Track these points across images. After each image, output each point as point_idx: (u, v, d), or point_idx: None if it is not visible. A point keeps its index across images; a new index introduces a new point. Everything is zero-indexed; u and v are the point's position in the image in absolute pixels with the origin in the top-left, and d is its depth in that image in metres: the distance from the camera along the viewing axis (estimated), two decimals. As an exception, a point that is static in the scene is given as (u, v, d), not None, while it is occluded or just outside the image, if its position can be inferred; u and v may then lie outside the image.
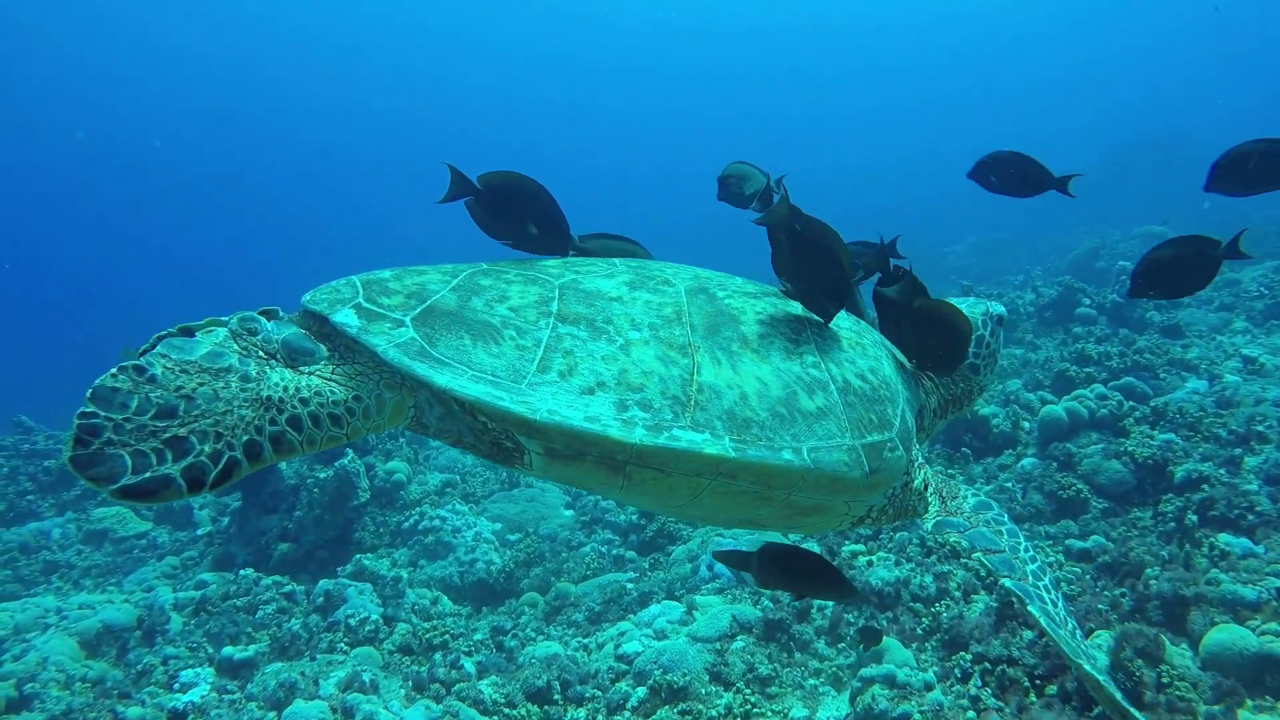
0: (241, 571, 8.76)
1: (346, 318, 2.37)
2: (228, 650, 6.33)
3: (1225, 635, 4.38)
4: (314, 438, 2.25)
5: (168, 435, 2.03)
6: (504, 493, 11.26)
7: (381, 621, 6.95)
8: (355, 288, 2.49)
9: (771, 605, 6.24)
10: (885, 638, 5.65)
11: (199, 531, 12.07)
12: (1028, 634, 5.32)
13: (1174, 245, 3.52)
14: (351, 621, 6.71)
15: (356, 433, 2.35)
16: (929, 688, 4.86)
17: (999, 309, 3.47)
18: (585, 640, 6.68)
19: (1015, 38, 66.13)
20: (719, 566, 7.22)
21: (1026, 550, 2.86)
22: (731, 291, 2.85)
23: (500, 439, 2.45)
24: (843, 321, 3.00)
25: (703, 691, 5.31)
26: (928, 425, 3.31)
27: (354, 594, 7.50)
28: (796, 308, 2.94)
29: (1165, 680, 4.16)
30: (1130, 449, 7.40)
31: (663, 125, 71.27)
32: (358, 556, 8.57)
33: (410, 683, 5.62)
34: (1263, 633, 4.37)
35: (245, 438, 2.14)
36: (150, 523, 12.94)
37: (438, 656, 6.17)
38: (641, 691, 5.47)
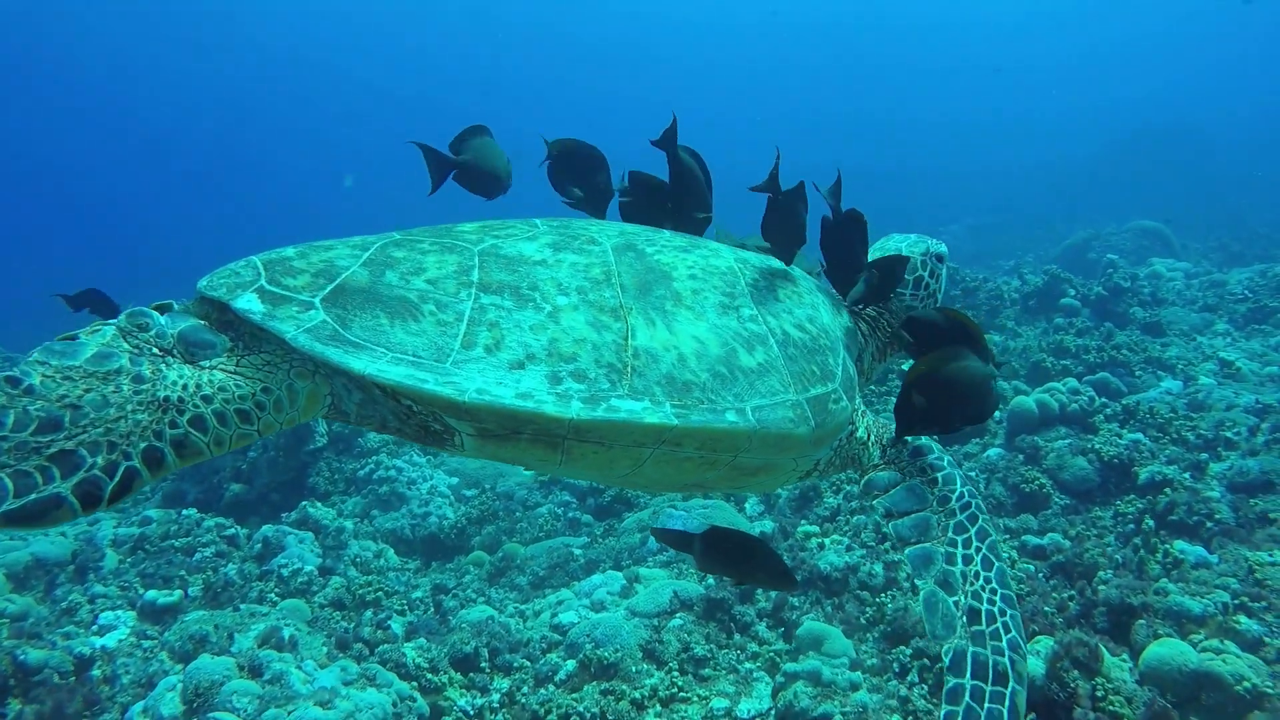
0: (184, 511, 8.54)
1: (249, 303, 2.18)
2: (151, 595, 6.13)
3: (1165, 650, 4.23)
4: (222, 437, 2.08)
5: (53, 450, 1.85)
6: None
7: (316, 573, 6.77)
8: (256, 269, 2.29)
9: (715, 583, 6.08)
10: (827, 626, 5.50)
11: (152, 466, 11.84)
12: (970, 632, 5.17)
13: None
14: (284, 571, 6.52)
15: (269, 428, 2.20)
16: (855, 687, 4.71)
17: (939, 247, 3.32)
18: (523, 606, 6.52)
19: (1022, 17, 65.04)
20: (668, 539, 7.04)
21: (961, 499, 2.78)
22: (661, 246, 2.72)
23: (427, 422, 2.31)
24: (774, 269, 2.89)
25: (633, 669, 5.15)
26: (867, 369, 3.24)
27: (293, 542, 7.30)
28: (728, 258, 2.80)
29: (1100, 694, 4.01)
30: (1097, 446, 7.24)
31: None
32: (304, 503, 8.36)
33: (334, 640, 5.44)
34: (1204, 649, 4.22)
35: (143, 444, 1.96)
36: (107, 453, 12.70)
37: (368, 614, 5.99)
38: (571, 665, 5.31)
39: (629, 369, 2.31)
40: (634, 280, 2.51)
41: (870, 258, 3.19)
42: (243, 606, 5.88)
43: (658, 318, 2.44)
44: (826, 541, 6.67)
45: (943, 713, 2.53)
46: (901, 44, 65.93)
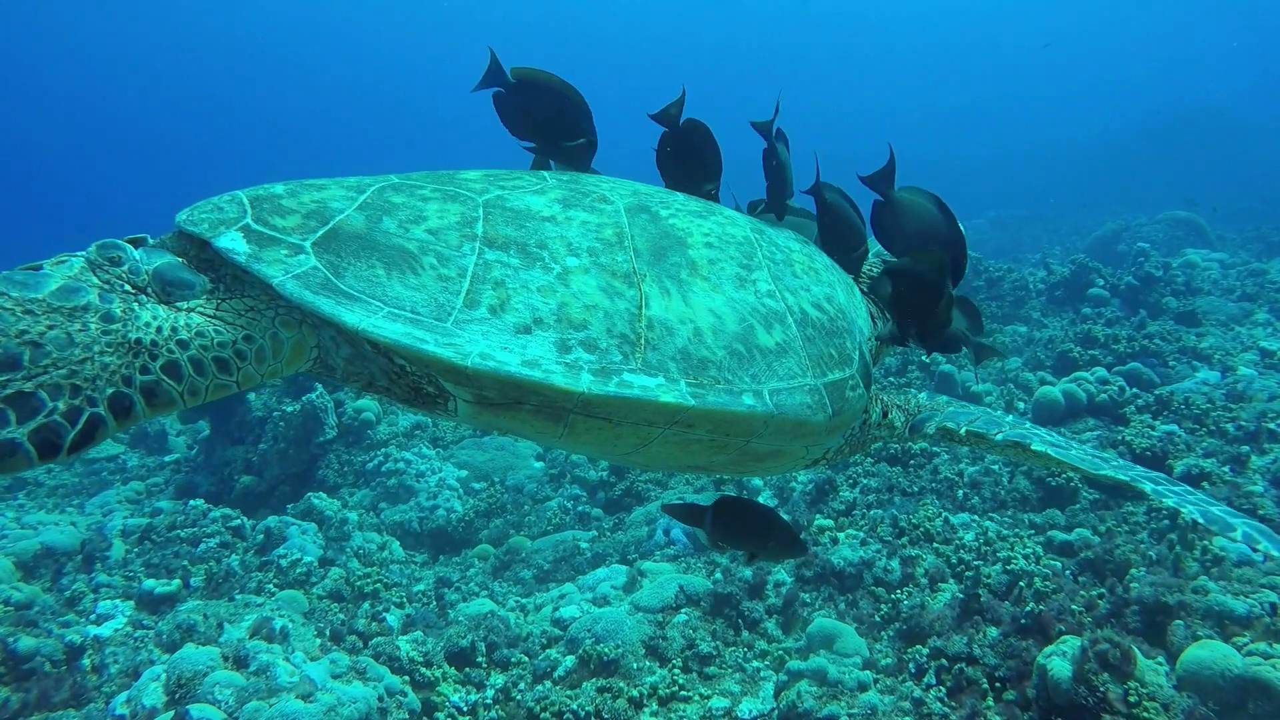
0: (191, 502, 8.43)
1: (233, 242, 1.99)
2: (149, 584, 6.01)
3: (1206, 653, 3.92)
4: (196, 387, 1.91)
5: (9, 392, 1.68)
6: (474, 439, 10.89)
7: (316, 564, 6.60)
8: (242, 205, 2.11)
9: (722, 578, 5.84)
10: (839, 624, 5.24)
11: (167, 458, 11.80)
12: (992, 631, 4.89)
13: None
14: (283, 562, 6.36)
15: (249, 380, 2.02)
16: (864, 688, 4.44)
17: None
18: (524, 600, 6.32)
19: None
20: (675, 531, 6.82)
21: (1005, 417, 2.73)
22: (675, 210, 2.53)
23: (420, 384, 2.15)
24: (792, 243, 2.71)
25: (634, 666, 4.93)
26: (876, 353, 3.05)
27: (295, 533, 7.15)
28: (745, 227, 2.61)
29: (1133, 699, 3.72)
30: (1129, 438, 6.91)
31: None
32: (308, 495, 8.22)
33: (328, 632, 5.26)
34: (1249, 653, 3.91)
35: (110, 390, 1.78)
36: (124, 446, 12.69)
37: (366, 606, 5.81)
38: (570, 661, 5.09)
39: (643, 341, 2.13)
40: (648, 245, 2.33)
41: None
42: (238, 597, 5.73)
43: (673, 287, 2.27)
44: (841, 536, 6.40)
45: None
46: (916, 33, 65.06)
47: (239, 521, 7.98)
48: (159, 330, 1.89)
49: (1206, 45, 55.38)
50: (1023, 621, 4.70)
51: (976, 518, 6.76)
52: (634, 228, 2.37)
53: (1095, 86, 55.79)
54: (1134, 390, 7.68)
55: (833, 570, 5.88)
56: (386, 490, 9.12)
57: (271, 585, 6.15)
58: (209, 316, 1.99)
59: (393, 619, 5.51)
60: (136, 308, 1.91)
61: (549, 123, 2.72)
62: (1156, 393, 7.65)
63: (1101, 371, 7.88)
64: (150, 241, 2.09)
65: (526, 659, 5.21)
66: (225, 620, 5.05)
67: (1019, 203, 32.62)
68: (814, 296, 2.54)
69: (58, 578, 7.29)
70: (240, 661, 4.25)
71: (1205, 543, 5.35)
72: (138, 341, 1.85)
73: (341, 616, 5.59)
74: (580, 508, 8.78)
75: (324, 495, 8.27)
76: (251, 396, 10.23)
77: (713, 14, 68.16)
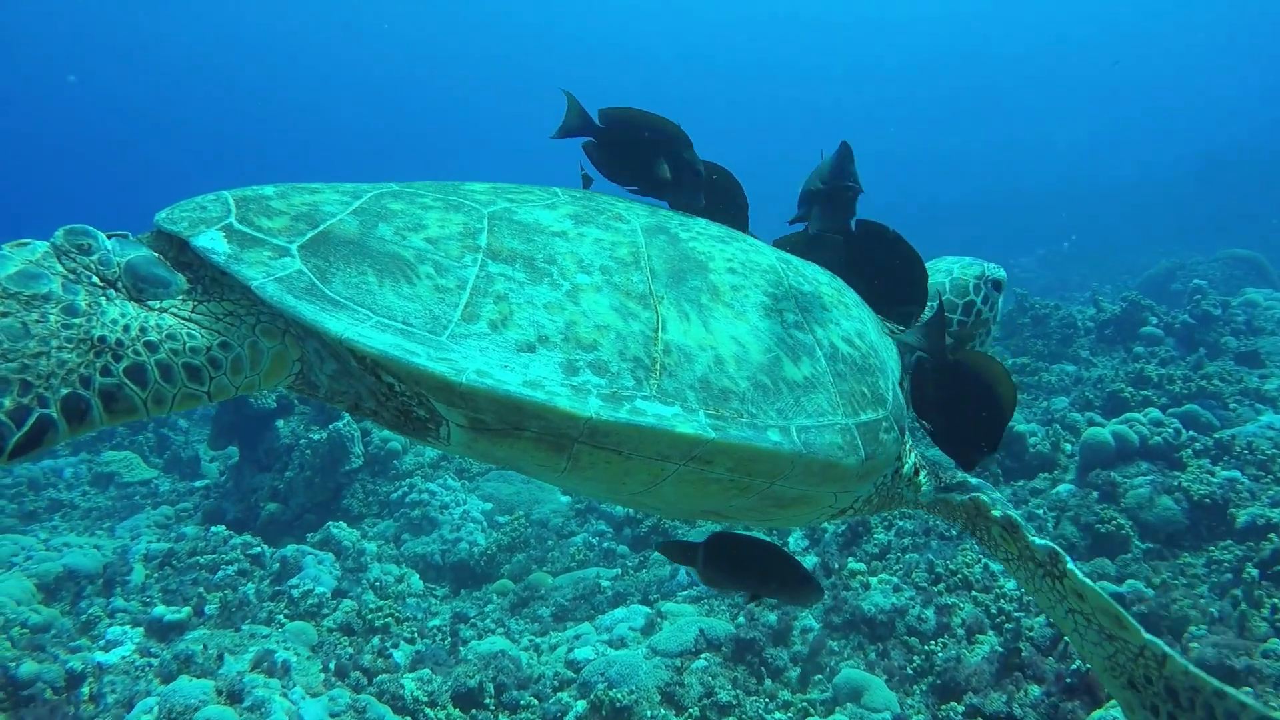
0: (213, 528, 8.36)
1: (212, 241, 1.85)
2: (159, 610, 5.89)
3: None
4: (163, 395, 1.75)
5: None
6: (500, 471, 10.73)
7: (329, 595, 6.43)
8: (227, 205, 1.98)
9: (746, 622, 5.54)
10: (868, 675, 4.91)
11: (197, 484, 11.84)
12: (1035, 690, 4.52)
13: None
14: (295, 593, 6.20)
15: (222, 391, 1.86)
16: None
17: (996, 272, 3.05)
18: (539, 639, 6.07)
19: (1094, 30, 62.77)
20: (701, 572, 6.52)
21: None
22: (696, 233, 2.39)
23: (410, 405, 1.97)
24: (820, 276, 2.56)
25: (648, 714, 4.65)
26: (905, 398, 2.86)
27: (312, 563, 7.01)
28: (770, 256, 2.45)
29: (1191, 773, 3.34)
30: (1185, 484, 6.48)
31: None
32: (328, 524, 8.10)
33: (333, 667, 5.07)
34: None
35: (65, 391, 1.62)
36: (158, 470, 12.79)
37: (375, 641, 5.61)
38: (581, 706, 4.82)
39: (658, 366, 1.97)
40: (666, 266, 2.18)
41: (930, 280, 2.93)
42: (245, 627, 5.58)
43: (692, 311, 2.10)
44: (873, 581, 6.06)
45: None
46: (968, 69, 64.72)
47: (259, 549, 7.88)
48: (126, 329, 1.73)
49: (1260, 83, 54.17)
50: (1068, 680, 4.34)
51: (1020, 565, 6.36)
52: (651, 248, 2.22)
53: (1145, 124, 54.80)
54: (1191, 433, 7.24)
55: (863, 617, 5.54)
56: (410, 521, 8.98)
57: (282, 616, 5.99)
58: (183, 319, 1.83)
59: (400, 655, 5.30)
60: (104, 302, 1.75)
61: (650, 162, 2.48)
62: (1216, 436, 7.20)
63: (1155, 413, 7.45)
64: (130, 238, 1.94)
65: (536, 702, 4.96)
66: (229, 651, 4.89)
67: (1068, 241, 31.90)
68: (844, 331, 2.37)
69: (77, 601, 7.24)
70: (235, 696, 4.08)
71: (1275, 600, 4.93)
72: (101, 339, 1.69)
73: (350, 651, 5.40)
74: (605, 544, 8.53)
75: (343, 525, 8.14)
76: (280, 423, 10.23)
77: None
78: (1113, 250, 28.33)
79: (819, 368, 2.21)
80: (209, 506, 10.42)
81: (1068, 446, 7.80)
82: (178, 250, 1.93)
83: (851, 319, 2.44)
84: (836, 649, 5.39)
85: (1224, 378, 8.69)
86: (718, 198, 2.76)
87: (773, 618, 5.53)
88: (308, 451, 9.66)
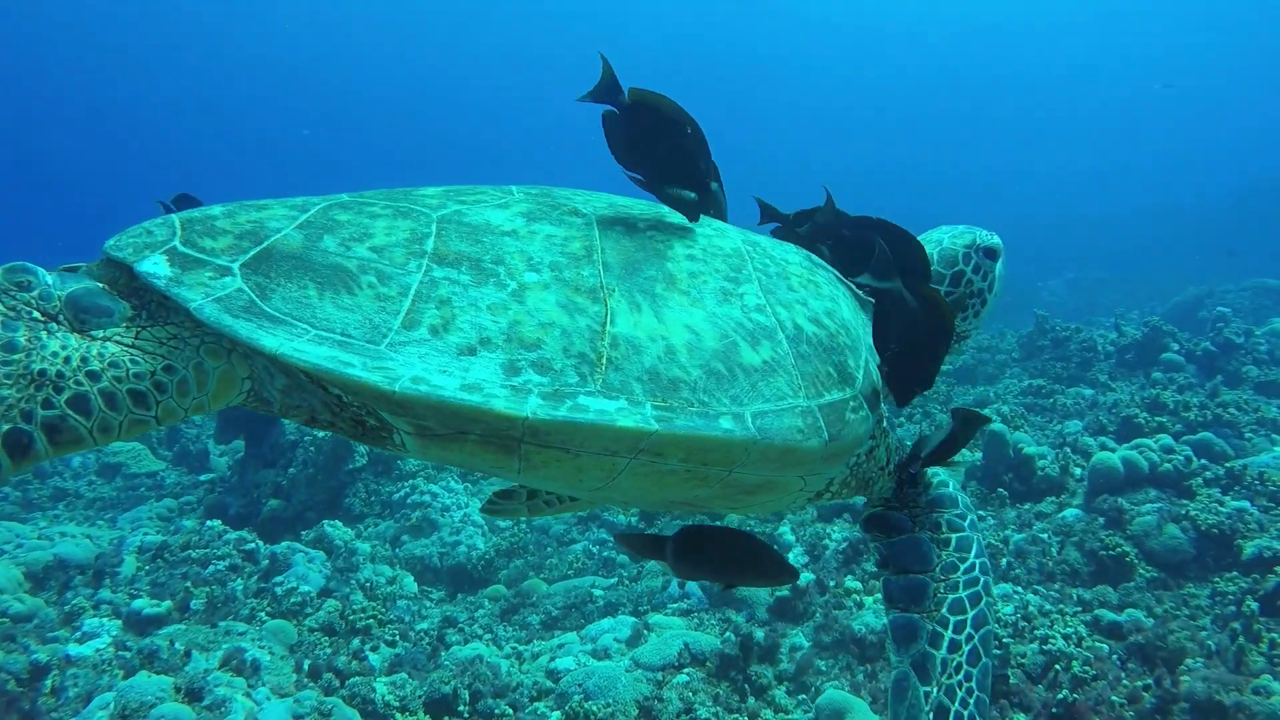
0: (208, 522, 8.36)
1: (155, 266, 1.88)
2: (137, 604, 5.86)
3: (1264, 764, 3.37)
4: (109, 424, 1.77)
5: None
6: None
7: (314, 595, 6.38)
8: (172, 228, 2.00)
9: (734, 638, 5.41)
10: (852, 696, 4.77)
11: (202, 477, 11.86)
12: (1020, 718, 4.37)
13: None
14: (279, 590, 6.15)
15: (171, 414, 1.89)
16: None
17: (990, 239, 2.95)
18: (523, 647, 5.97)
19: (1129, 59, 62.09)
20: (690, 585, 6.42)
21: (969, 573, 2.45)
22: (656, 221, 2.39)
23: (361, 415, 2.00)
24: (791, 256, 2.53)
25: (623, 728, 4.54)
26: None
27: (301, 560, 6.96)
28: (735, 239, 2.43)
29: (1172, 813, 3.20)
30: (1193, 513, 6.28)
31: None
32: (323, 522, 8.06)
33: (307, 668, 5.00)
34: (1317, 768, 3.35)
35: (6, 426, 1.65)
36: (167, 463, 12.84)
37: (355, 643, 5.54)
38: (557, 717, 4.73)
39: (604, 360, 1.95)
40: (620, 258, 2.16)
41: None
42: (222, 624, 5.53)
43: (645, 302, 2.08)
44: (869, 600, 5.92)
45: None
46: (1002, 91, 64.30)
47: (253, 545, 7.84)
48: (67, 360, 1.75)
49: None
50: (1054, 710, 4.19)
51: (1019, 589, 6.21)
52: (606, 240, 2.19)
53: (1181, 151, 54.10)
54: (1202, 461, 7.04)
55: (853, 637, 5.41)
56: (410, 523, 8.93)
57: (264, 614, 5.94)
58: (126, 346, 1.85)
59: (377, 658, 5.23)
60: (44, 336, 1.77)
61: (660, 158, 2.34)
62: (1228, 466, 6.99)
63: (1167, 439, 7.24)
64: (82, 269, 1.99)
65: (511, 711, 4.87)
66: (202, 648, 4.84)
67: (1098, 265, 31.48)
68: (811, 311, 2.32)
69: (64, 591, 7.23)
70: (194, 694, 4.03)
71: (1275, 635, 4.74)
72: (41, 373, 1.70)
73: (327, 651, 5.33)
74: (606, 553, 8.43)
75: (338, 524, 8.10)
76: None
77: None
78: (1144, 276, 27.91)
79: (780, 350, 2.16)
80: (212, 501, 10.42)
81: (1077, 470, 7.61)
82: (129, 277, 1.93)
83: (821, 297, 2.39)
84: (824, 668, 5.25)
85: (1241, 406, 8.46)
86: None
87: (760, 634, 5.41)
88: (311, 448, 9.65)
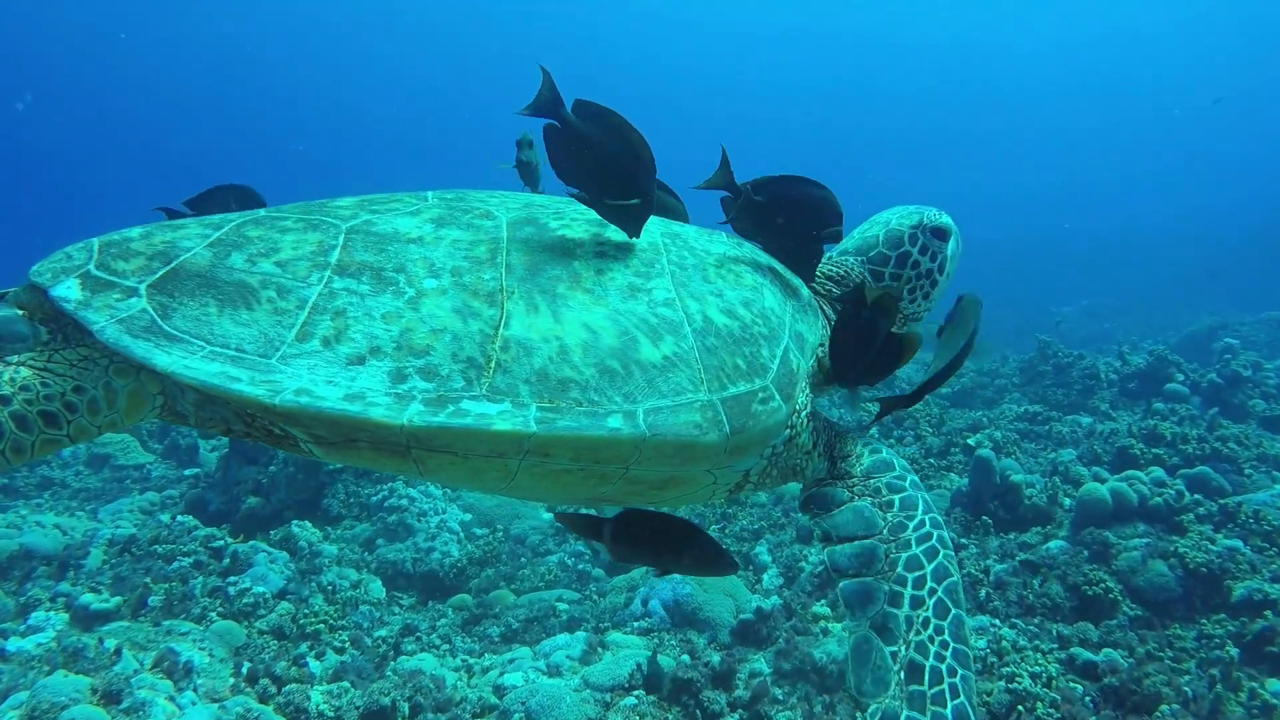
0: (179, 517, 8.24)
1: (68, 290, 1.96)
2: (86, 598, 5.72)
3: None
4: (21, 444, 1.89)
5: None
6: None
7: (270, 596, 6.22)
8: (90, 252, 2.08)
9: (689, 660, 5.20)
10: (804, 728, 4.55)
11: (187, 472, 11.77)
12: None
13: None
14: (231, 590, 6.00)
15: (84, 432, 2.00)
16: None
17: (939, 219, 2.87)
18: (474, 661, 5.78)
19: (1155, 69, 61.39)
20: (654, 603, 6.21)
21: (920, 528, 2.34)
22: (570, 220, 2.38)
23: (269, 425, 2.06)
24: (714, 247, 2.51)
25: (560, 751, 4.34)
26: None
27: (263, 560, 6.81)
28: (654, 232, 2.42)
29: None
30: (1182, 550, 6.02)
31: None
32: (291, 522, 7.91)
33: (245, 671, 4.84)
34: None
35: None
36: (156, 455, 12.77)
37: (304, 647, 5.38)
38: (496, 735, 4.53)
39: (493, 364, 1.98)
40: (524, 259, 2.17)
41: (866, 232, 2.92)
42: (165, 623, 5.37)
43: (543, 302, 2.09)
44: (835, 628, 5.70)
45: None
46: (1031, 107, 63.84)
47: (221, 543, 7.72)
48: None
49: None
50: (1013, 754, 3.96)
51: (996, 622, 5.97)
52: (514, 242, 2.20)
53: (1204, 180, 53.51)
54: (1196, 496, 6.77)
55: (814, 665, 5.19)
56: (386, 526, 8.78)
57: (215, 613, 5.79)
58: (38, 369, 1.95)
59: (319, 666, 5.06)
60: None
61: (602, 171, 2.27)
62: (1221, 502, 6.72)
63: (1159, 472, 6.98)
64: (7, 294, 2.08)
65: (449, 727, 4.68)
66: (141, 647, 4.69)
67: (1114, 293, 31.03)
68: (726, 302, 2.29)
69: (24, 581, 7.13)
70: (111, 696, 3.87)
71: (1255, 684, 4.49)
72: None
73: (269, 655, 5.17)
74: (581, 566, 8.24)
75: (307, 524, 7.95)
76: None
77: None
78: (1161, 305, 27.50)
79: (684, 344, 2.14)
80: (194, 496, 10.30)
81: (1066, 501, 7.34)
82: (49, 300, 2.00)
83: (741, 287, 2.36)
84: (781, 697, 5.03)
85: (1241, 441, 8.17)
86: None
87: (716, 658, 5.20)
88: (292, 447, 9.52)
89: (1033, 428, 9.86)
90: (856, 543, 2.34)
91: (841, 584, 2.30)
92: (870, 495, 2.42)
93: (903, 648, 2.19)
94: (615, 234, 2.33)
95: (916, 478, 2.47)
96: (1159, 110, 58.70)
